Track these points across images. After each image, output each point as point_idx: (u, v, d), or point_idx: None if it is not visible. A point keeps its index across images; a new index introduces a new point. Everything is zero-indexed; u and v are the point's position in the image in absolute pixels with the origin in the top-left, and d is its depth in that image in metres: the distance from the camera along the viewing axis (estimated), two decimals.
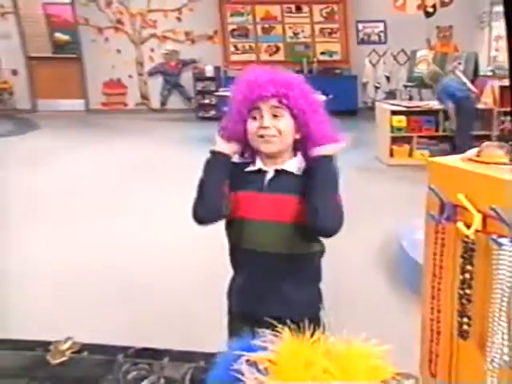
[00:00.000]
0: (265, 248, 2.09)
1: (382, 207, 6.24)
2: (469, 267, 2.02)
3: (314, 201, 1.95)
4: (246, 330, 2.25)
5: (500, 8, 11.42)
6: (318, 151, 2.00)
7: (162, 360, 1.48)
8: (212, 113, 12.88)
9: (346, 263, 4.50)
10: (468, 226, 1.99)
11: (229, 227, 2.18)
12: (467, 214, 2.02)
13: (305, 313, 2.21)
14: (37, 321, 3.84)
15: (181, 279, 4.63)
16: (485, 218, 1.97)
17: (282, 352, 1.36)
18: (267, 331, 1.41)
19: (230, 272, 2.28)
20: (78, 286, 4.58)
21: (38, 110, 13.88)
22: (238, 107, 2.05)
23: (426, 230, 2.30)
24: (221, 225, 2.16)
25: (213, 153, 2.10)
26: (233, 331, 2.30)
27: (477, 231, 1.97)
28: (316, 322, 2.25)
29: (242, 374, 1.32)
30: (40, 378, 1.50)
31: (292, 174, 2.07)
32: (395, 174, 7.97)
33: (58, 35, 14.55)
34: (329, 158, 2.01)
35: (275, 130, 2.00)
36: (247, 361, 1.35)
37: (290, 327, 1.99)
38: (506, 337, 1.90)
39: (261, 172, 2.10)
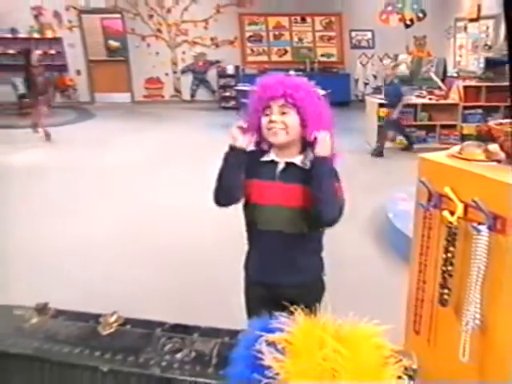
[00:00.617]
0: (275, 227, 2.02)
1: (370, 183, 6.11)
2: (451, 248, 1.95)
3: (317, 200, 1.88)
4: (261, 295, 2.21)
5: (462, 23, 11.47)
6: (318, 152, 1.90)
7: (193, 335, 1.38)
8: (232, 103, 12.69)
9: (341, 232, 4.34)
10: (452, 214, 1.91)
11: (245, 210, 2.11)
12: (451, 203, 1.93)
13: (311, 278, 2.16)
14: (90, 292, 3.76)
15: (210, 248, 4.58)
16: (466, 207, 1.90)
17: (297, 333, 1.26)
18: (283, 314, 1.32)
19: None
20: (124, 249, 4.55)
21: (95, 101, 13.83)
22: (254, 105, 2.00)
23: (416, 216, 2.20)
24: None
25: (231, 148, 2.01)
26: (249, 297, 2.26)
27: (459, 218, 1.91)
28: (320, 284, 2.19)
29: (262, 353, 1.22)
30: (92, 346, 1.41)
31: (300, 167, 1.99)
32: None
33: (111, 42, 14.59)
34: (327, 159, 1.91)
35: (282, 124, 1.94)
36: (266, 341, 1.26)
37: (299, 296, 1.92)
38: (478, 306, 1.87)
39: (273, 163, 2.03)
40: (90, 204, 5.84)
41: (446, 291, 1.99)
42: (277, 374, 1.18)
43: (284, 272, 2.08)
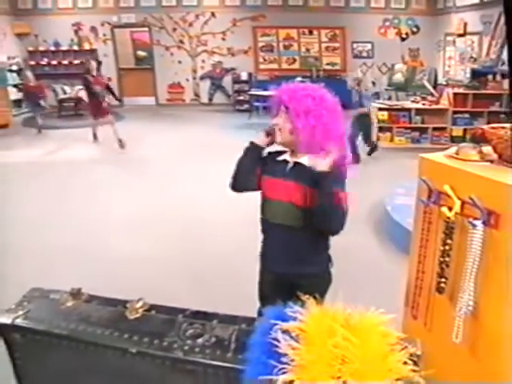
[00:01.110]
0: (283, 222, 1.98)
1: (370, 179, 6.01)
2: (449, 241, 1.89)
3: (319, 213, 1.85)
4: (272, 282, 2.17)
5: (451, 37, 11.38)
6: (315, 166, 1.83)
7: (212, 322, 1.33)
8: (245, 106, 12.60)
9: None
10: (450, 209, 1.85)
11: (260, 203, 2.09)
12: (449, 200, 1.87)
13: (318, 270, 2.10)
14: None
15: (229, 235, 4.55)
16: (463, 203, 1.83)
17: (309, 322, 1.20)
18: (296, 303, 1.26)
19: None
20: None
21: (124, 105, 13.80)
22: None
23: (416, 211, 2.13)
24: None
25: (251, 143, 2.05)
26: (261, 282, 2.23)
27: (456, 214, 1.85)
28: (328, 276, 2.14)
29: (278, 341, 1.17)
30: (121, 329, 1.37)
31: (308, 167, 1.92)
32: (381, 154, 7.77)
33: (139, 52, 14.53)
34: (327, 173, 1.81)
35: (279, 126, 1.95)
36: (281, 329, 1.21)
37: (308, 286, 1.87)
38: (471, 293, 1.82)
39: (285, 162, 2.00)
40: (122, 191, 5.93)
41: (443, 280, 1.93)
42: (291, 360, 1.13)
43: (292, 264, 2.03)
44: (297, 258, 2.02)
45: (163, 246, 4.26)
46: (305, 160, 1.94)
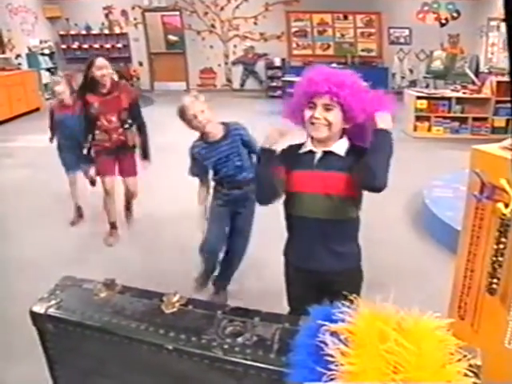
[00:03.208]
0: (314, 215, 1.89)
1: (407, 171, 5.85)
2: (503, 239, 1.77)
3: (371, 164, 1.73)
4: (302, 281, 2.09)
5: (495, 22, 10.95)
6: (377, 124, 1.78)
7: (253, 319, 1.27)
8: (278, 93, 12.40)
9: (380, 217, 4.15)
10: (506, 206, 1.73)
11: (285, 199, 1.99)
12: (505, 195, 1.75)
13: (348, 265, 2.01)
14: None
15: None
16: None
17: (359, 324, 1.12)
18: (344, 304, 1.19)
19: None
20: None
21: (154, 89, 13.87)
22: (298, 98, 1.86)
23: (467, 206, 2.01)
24: None
25: (262, 150, 1.92)
26: (290, 282, 2.16)
27: None
28: (359, 274, 2.06)
29: (325, 344, 1.10)
30: (157, 324, 1.33)
31: (337, 155, 1.86)
32: (418, 144, 7.54)
33: (170, 37, 14.46)
34: (384, 131, 1.77)
35: (325, 120, 1.80)
36: (328, 331, 1.14)
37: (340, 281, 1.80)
38: None
39: (311, 153, 1.90)
40: (152, 174, 5.85)
41: (494, 281, 1.82)
42: (340, 364, 1.06)
43: (322, 258, 1.95)
44: (327, 252, 1.94)
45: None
46: (336, 148, 1.87)
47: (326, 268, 1.95)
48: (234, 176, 2.98)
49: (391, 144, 1.78)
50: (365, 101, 1.81)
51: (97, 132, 3.88)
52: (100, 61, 3.69)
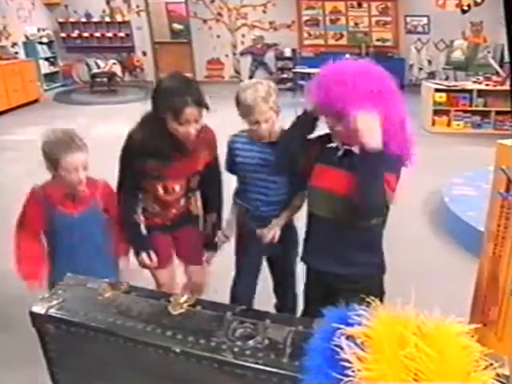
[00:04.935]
0: (327, 214, 1.89)
1: (424, 168, 5.81)
2: None
3: (359, 190, 1.70)
4: (315, 281, 2.09)
5: None
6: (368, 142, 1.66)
7: (265, 321, 1.27)
8: (289, 85, 12.43)
9: (396, 216, 4.13)
10: None
11: (307, 195, 2.02)
12: None
13: (362, 273, 1.96)
14: None
15: None
16: None
17: (377, 327, 1.12)
18: (362, 307, 1.19)
19: None
20: None
21: None
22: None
23: (491, 205, 2.00)
24: None
25: (304, 111, 1.94)
26: (306, 282, 2.17)
27: None
28: (376, 286, 2.00)
29: (341, 348, 1.10)
30: (164, 325, 1.33)
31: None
32: (436, 140, 7.47)
33: (175, 25, 14.45)
34: (376, 154, 1.65)
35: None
36: (344, 334, 1.13)
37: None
38: None
39: (337, 149, 1.89)
40: None
41: None
42: (357, 370, 1.06)
43: (334, 261, 1.94)
44: (339, 255, 1.93)
45: None
46: (356, 147, 1.80)
47: (334, 272, 1.94)
48: (263, 202, 2.44)
49: (382, 163, 1.68)
50: (387, 106, 1.73)
51: (143, 204, 2.55)
52: (191, 110, 2.21)
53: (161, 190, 2.40)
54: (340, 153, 1.87)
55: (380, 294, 1.98)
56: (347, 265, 1.93)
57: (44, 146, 2.22)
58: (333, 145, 1.91)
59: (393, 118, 1.76)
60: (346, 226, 1.87)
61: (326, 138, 1.96)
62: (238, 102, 2.35)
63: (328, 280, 1.98)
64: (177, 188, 2.44)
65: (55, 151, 2.18)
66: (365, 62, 1.85)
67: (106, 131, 8.16)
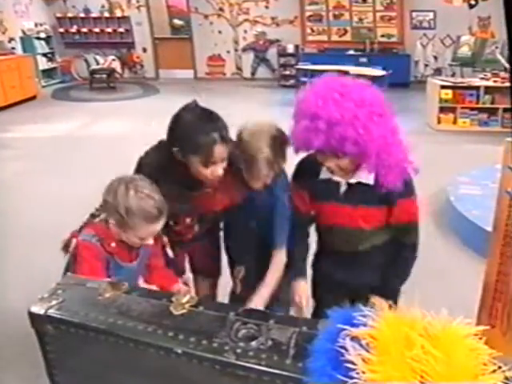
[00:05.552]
0: (345, 248, 1.96)
1: (430, 165, 5.81)
2: None
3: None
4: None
5: None
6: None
7: (268, 322, 1.27)
8: (291, 82, 12.46)
9: None
10: None
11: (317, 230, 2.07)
12: None
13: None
14: None
15: None
16: None
17: (383, 328, 1.12)
18: (366, 307, 1.19)
19: None
20: None
21: (159, 77, 13.93)
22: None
23: (499, 204, 2.00)
24: None
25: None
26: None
27: None
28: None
29: (346, 349, 1.10)
30: (165, 326, 1.33)
31: (365, 184, 1.78)
32: (442, 137, 7.51)
33: (175, 21, 14.52)
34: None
35: (336, 167, 1.74)
36: (349, 335, 1.13)
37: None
38: None
39: (336, 183, 1.83)
40: None
41: None
42: (362, 372, 1.06)
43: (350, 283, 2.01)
44: (356, 277, 2.01)
45: None
46: (362, 177, 1.77)
47: (353, 286, 2.00)
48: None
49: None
50: (378, 138, 1.62)
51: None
52: (220, 149, 1.98)
53: (170, 221, 2.16)
54: (343, 188, 1.85)
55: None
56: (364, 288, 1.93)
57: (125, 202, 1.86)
58: (325, 177, 1.85)
59: (389, 148, 1.68)
60: (366, 255, 1.96)
61: (312, 164, 1.82)
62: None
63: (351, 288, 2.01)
64: (187, 220, 2.29)
65: (136, 220, 1.83)
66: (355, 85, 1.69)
67: (105, 128, 8.18)
